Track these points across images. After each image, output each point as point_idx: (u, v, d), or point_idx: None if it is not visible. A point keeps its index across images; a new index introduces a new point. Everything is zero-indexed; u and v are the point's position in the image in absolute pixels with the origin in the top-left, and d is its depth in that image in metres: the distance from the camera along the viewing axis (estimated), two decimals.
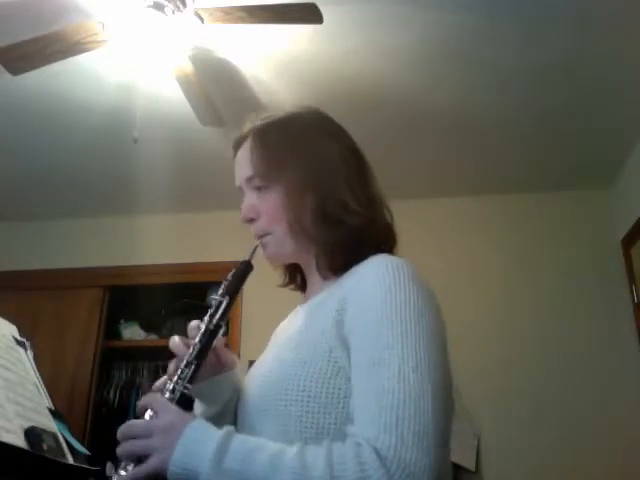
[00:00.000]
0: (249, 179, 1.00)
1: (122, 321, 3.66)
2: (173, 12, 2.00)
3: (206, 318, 0.93)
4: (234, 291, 0.95)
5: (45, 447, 1.06)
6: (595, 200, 3.33)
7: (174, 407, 0.83)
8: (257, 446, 0.76)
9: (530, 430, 2.88)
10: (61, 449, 1.14)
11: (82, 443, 1.29)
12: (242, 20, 2.02)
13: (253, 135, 1.02)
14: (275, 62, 2.47)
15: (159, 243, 3.56)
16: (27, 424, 1.05)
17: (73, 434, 1.27)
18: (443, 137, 2.94)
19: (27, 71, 2.13)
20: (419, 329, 0.80)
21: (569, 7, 2.17)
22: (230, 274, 0.97)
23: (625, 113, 2.74)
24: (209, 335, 0.91)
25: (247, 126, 1.04)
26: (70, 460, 1.15)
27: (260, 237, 1.00)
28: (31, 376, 1.25)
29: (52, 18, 2.16)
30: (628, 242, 3.09)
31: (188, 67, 2.22)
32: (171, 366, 0.93)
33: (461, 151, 3.06)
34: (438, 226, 3.39)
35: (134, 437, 0.80)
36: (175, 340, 0.94)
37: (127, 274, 3.53)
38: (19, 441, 1.00)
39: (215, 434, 0.77)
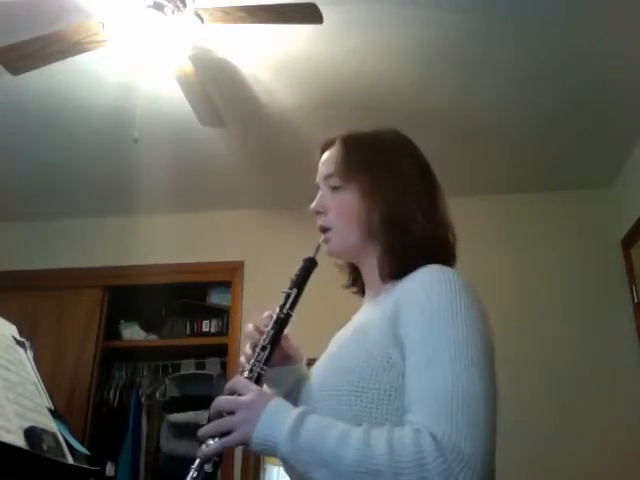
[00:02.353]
0: (328, 176, 1.12)
1: (122, 321, 3.65)
2: (173, 12, 2.00)
3: (277, 309, 1.05)
4: (301, 284, 1.09)
5: (45, 447, 1.06)
6: (595, 200, 3.33)
7: (255, 386, 0.94)
8: (329, 424, 0.86)
9: (529, 430, 2.88)
10: (61, 449, 1.14)
11: (82, 443, 1.29)
12: (242, 20, 2.02)
13: (341, 141, 1.15)
14: (275, 62, 2.47)
15: (159, 243, 3.55)
16: (27, 424, 1.05)
17: (73, 434, 1.27)
18: (442, 137, 2.93)
19: (27, 71, 2.13)
20: (469, 332, 0.88)
21: (568, 6, 2.17)
22: (297, 270, 1.10)
23: (625, 113, 2.74)
24: (280, 323, 1.04)
25: (337, 134, 1.17)
26: (70, 460, 1.15)
27: (323, 231, 1.11)
28: (31, 376, 1.26)
29: (52, 18, 2.16)
30: (628, 242, 3.09)
31: (188, 67, 2.22)
32: (247, 350, 1.04)
33: (460, 151, 3.06)
34: None
35: (221, 411, 0.90)
36: (250, 327, 1.08)
37: (127, 274, 3.53)
38: (19, 441, 1.00)
39: (293, 410, 0.88)
